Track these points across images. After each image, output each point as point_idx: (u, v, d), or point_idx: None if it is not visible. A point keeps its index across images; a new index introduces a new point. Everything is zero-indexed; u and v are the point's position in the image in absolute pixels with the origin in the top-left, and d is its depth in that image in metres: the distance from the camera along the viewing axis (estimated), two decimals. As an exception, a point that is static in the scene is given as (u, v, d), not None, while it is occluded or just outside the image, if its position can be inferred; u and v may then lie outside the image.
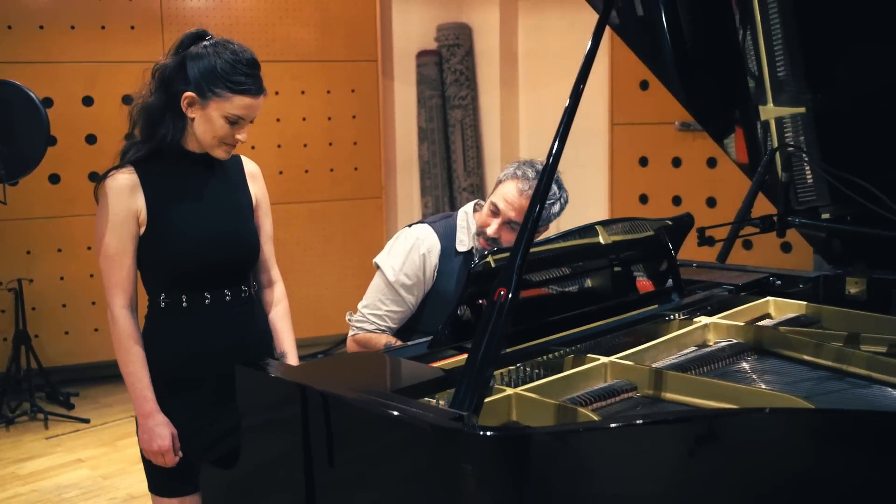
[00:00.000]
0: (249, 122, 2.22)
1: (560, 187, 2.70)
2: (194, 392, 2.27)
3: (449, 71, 6.35)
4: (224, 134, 2.19)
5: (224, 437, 2.20)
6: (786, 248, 4.97)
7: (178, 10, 5.63)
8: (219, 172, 2.33)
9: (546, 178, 1.80)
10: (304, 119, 6.01)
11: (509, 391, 1.83)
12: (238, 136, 2.21)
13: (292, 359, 2.41)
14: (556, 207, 2.70)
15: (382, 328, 2.72)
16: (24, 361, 5.17)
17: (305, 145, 6.04)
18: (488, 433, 1.50)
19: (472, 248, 2.73)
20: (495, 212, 2.65)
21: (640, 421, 1.54)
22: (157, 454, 2.19)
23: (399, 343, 2.54)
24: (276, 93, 5.87)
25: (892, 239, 2.26)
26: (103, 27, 5.47)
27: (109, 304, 2.20)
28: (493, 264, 2.06)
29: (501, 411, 1.81)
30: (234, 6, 5.77)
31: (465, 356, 2.04)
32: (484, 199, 2.77)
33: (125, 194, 2.18)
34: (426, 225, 2.77)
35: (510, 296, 1.65)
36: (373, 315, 2.72)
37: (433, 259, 2.69)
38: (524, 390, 1.84)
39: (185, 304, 2.25)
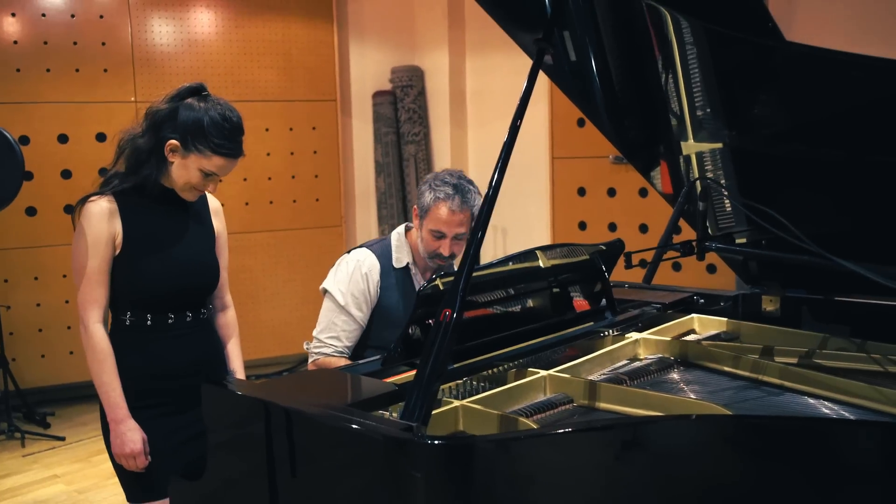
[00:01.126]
0: (221, 177, 2.26)
1: (473, 185, 2.74)
2: (157, 404, 2.29)
3: (403, 109, 6.39)
4: (196, 183, 2.24)
5: (187, 444, 2.28)
6: (711, 269, 5.06)
7: (148, 53, 5.61)
8: (188, 207, 2.36)
9: (487, 207, 1.83)
10: (268, 154, 6.00)
11: (456, 403, 1.85)
12: (208, 187, 2.26)
13: (240, 376, 2.48)
14: (478, 201, 2.72)
15: (339, 349, 2.72)
16: (2, 383, 5.10)
17: (270, 178, 6.03)
18: (435, 442, 1.52)
19: (408, 263, 2.78)
20: (440, 236, 2.68)
21: (571, 429, 1.56)
22: (128, 457, 2.21)
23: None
24: (242, 130, 5.87)
25: (800, 262, 2.32)
26: (77, 70, 5.43)
27: (84, 319, 2.21)
28: (441, 287, 2.09)
29: (449, 422, 1.82)
30: (203, 50, 5.76)
31: (415, 372, 2.07)
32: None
33: (105, 219, 2.20)
34: (364, 248, 2.81)
35: (454, 316, 1.67)
36: (328, 338, 2.73)
37: (375, 276, 2.73)
38: (470, 402, 1.86)
39: (149, 323, 2.28)
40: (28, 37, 5.33)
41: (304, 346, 2.81)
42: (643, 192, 5.44)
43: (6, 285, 5.33)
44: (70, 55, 5.42)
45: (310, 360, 2.79)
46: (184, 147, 2.17)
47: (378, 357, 2.21)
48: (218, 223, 2.48)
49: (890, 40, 4.20)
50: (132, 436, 2.21)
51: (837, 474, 1.59)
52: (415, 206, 2.78)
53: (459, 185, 2.69)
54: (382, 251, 2.80)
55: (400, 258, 2.78)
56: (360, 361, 2.38)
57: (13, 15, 5.29)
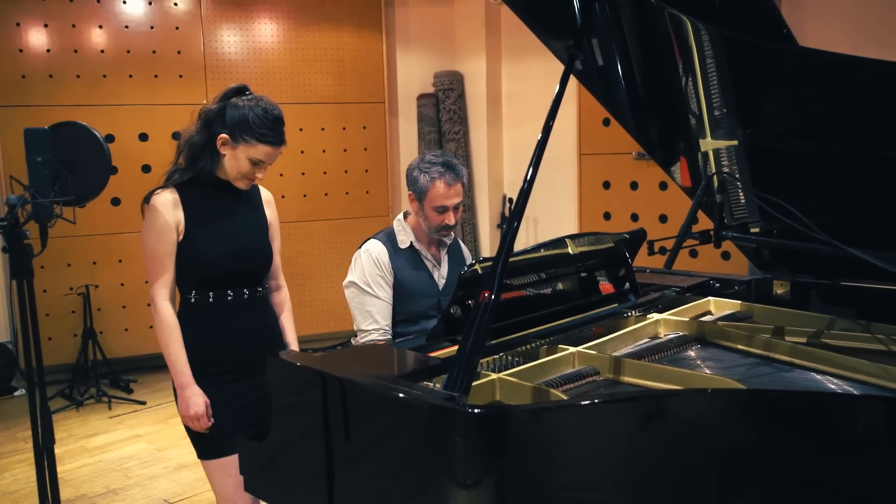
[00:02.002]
0: (268, 164, 2.30)
1: (455, 158, 2.78)
2: (220, 371, 2.33)
3: (444, 110, 6.38)
4: (247, 171, 2.28)
5: (249, 407, 2.33)
6: (725, 256, 4.99)
7: (218, 61, 5.66)
8: (242, 197, 2.40)
9: (522, 199, 1.82)
10: (323, 151, 6.03)
11: (493, 376, 1.85)
12: (258, 175, 2.30)
13: (294, 347, 2.50)
14: (464, 171, 2.78)
15: (381, 330, 2.73)
16: (91, 354, 5.20)
17: (325, 173, 6.06)
18: (475, 410, 1.52)
19: (411, 242, 2.80)
20: (443, 210, 2.69)
21: (598, 400, 1.55)
22: (192, 419, 2.26)
23: None
24: (301, 129, 5.91)
25: (809, 250, 2.28)
26: (156, 76, 5.50)
27: (153, 298, 2.27)
28: (479, 271, 2.09)
29: (487, 392, 1.82)
30: (266, 58, 5.80)
31: (457, 347, 2.07)
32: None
33: (169, 209, 2.25)
34: (371, 239, 2.84)
35: (493, 298, 1.67)
36: (368, 324, 2.75)
37: (385, 259, 2.75)
38: (506, 375, 1.86)
39: (211, 300, 2.32)
40: (113, 46, 5.40)
41: (353, 343, 2.82)
42: (663, 186, 5.38)
43: (94, 267, 5.43)
44: (149, 62, 5.49)
45: None
46: (233, 139, 2.22)
47: (422, 335, 2.22)
48: (270, 213, 2.50)
49: (888, 46, 4.10)
50: (196, 399, 2.25)
51: (842, 443, 1.56)
52: (410, 192, 2.76)
53: (447, 162, 2.70)
54: (388, 237, 2.82)
55: (403, 240, 2.80)
56: (407, 338, 2.38)
57: (100, 27, 5.36)
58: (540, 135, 1.88)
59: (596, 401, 1.57)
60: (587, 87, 2.53)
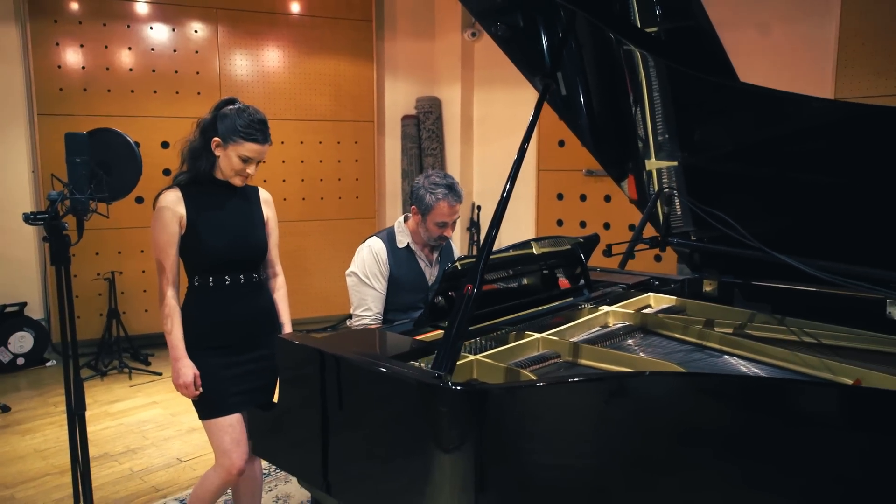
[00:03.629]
0: (257, 161, 2.27)
1: (455, 179, 2.71)
2: (219, 345, 2.30)
3: (424, 130, 6.34)
4: (238, 168, 2.25)
5: (245, 376, 2.31)
6: (657, 259, 5.03)
7: (232, 82, 5.57)
8: (240, 195, 2.37)
9: (501, 208, 1.80)
10: (320, 161, 5.96)
11: (471, 357, 1.83)
12: (248, 171, 2.27)
13: (288, 328, 2.46)
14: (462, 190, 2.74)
15: (373, 315, 2.69)
16: (115, 331, 5.09)
17: (321, 180, 5.99)
18: (458, 387, 1.50)
19: (408, 243, 2.75)
20: (443, 225, 2.66)
21: (562, 380, 1.53)
22: (182, 387, 2.24)
23: None
24: (301, 142, 5.84)
25: (733, 254, 2.29)
26: (177, 92, 5.39)
27: (160, 283, 2.25)
28: (459, 267, 2.06)
29: (466, 372, 1.80)
30: (272, 80, 5.72)
31: (439, 332, 2.04)
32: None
33: (172, 205, 2.24)
34: (374, 237, 2.78)
35: (475, 290, 1.65)
36: (363, 310, 2.70)
37: (383, 256, 2.70)
38: (482, 356, 1.84)
39: (211, 284, 2.29)
40: (140, 66, 5.29)
41: (348, 323, 2.78)
42: (607, 199, 5.40)
43: (120, 256, 5.31)
44: (172, 81, 5.38)
45: None
46: (224, 141, 2.22)
47: (409, 320, 2.19)
48: (268, 210, 2.45)
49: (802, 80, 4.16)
50: (185, 371, 2.23)
51: (773, 420, 1.56)
52: (413, 206, 2.71)
53: (451, 184, 2.65)
54: (388, 236, 2.77)
55: (402, 240, 2.75)
56: (396, 323, 2.35)
57: (130, 48, 5.24)
58: (517, 155, 1.85)
59: (567, 380, 1.54)
60: (557, 113, 2.51)
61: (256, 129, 2.22)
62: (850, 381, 1.77)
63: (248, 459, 2.32)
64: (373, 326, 2.66)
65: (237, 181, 2.29)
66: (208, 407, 2.30)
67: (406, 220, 2.81)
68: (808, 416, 1.45)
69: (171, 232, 2.23)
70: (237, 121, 2.20)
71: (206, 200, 2.28)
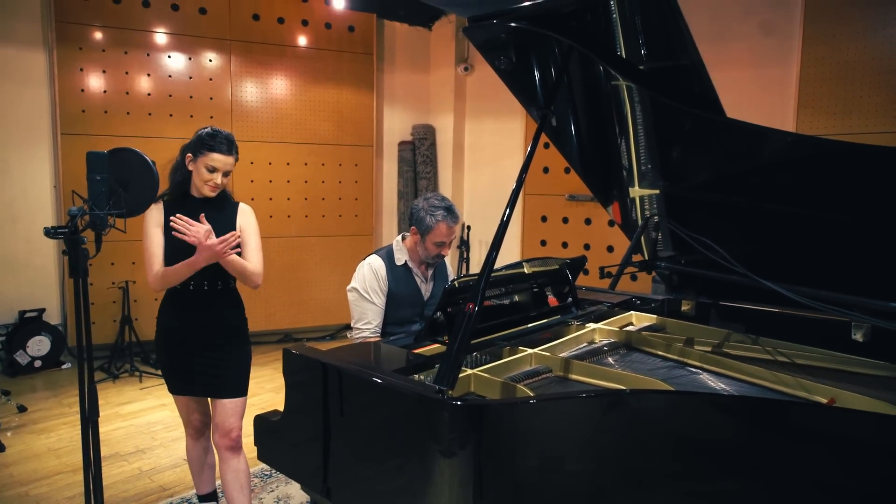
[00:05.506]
0: (223, 172, 2.34)
1: (452, 202, 2.67)
2: (182, 340, 2.39)
3: (419, 155, 6.30)
4: (206, 178, 2.33)
5: (205, 366, 2.40)
6: (633, 278, 4.98)
7: (242, 107, 5.51)
8: (216, 210, 2.41)
9: (501, 231, 1.75)
10: (322, 182, 5.89)
11: (469, 371, 1.77)
12: (216, 180, 2.33)
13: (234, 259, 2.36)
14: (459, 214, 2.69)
15: (372, 329, 2.62)
16: (127, 336, 4.98)
17: (323, 199, 5.92)
18: (459, 402, 1.43)
19: (405, 261, 2.69)
20: (440, 245, 2.60)
21: (583, 394, 1.46)
22: (203, 238, 2.26)
23: None
24: (306, 164, 5.77)
25: (709, 277, 2.25)
26: (191, 116, 5.31)
27: (148, 275, 2.34)
28: (457, 286, 2.00)
29: (464, 385, 1.74)
30: (279, 106, 5.66)
31: (437, 346, 1.98)
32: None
33: (155, 216, 2.37)
34: (374, 255, 2.72)
35: (476, 309, 1.59)
36: (363, 324, 2.62)
37: (382, 272, 2.65)
38: (479, 371, 1.78)
39: (178, 288, 2.38)
40: (158, 91, 5.21)
41: (348, 335, 2.71)
42: (588, 221, 5.37)
43: (133, 266, 5.20)
44: (187, 105, 5.31)
45: None
46: (194, 154, 2.33)
47: (408, 334, 2.12)
48: (242, 219, 2.46)
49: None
50: (200, 235, 2.25)
51: (759, 435, 1.50)
52: (412, 227, 2.65)
53: (449, 207, 2.61)
54: (387, 254, 2.71)
55: (399, 258, 2.69)
56: (394, 337, 2.28)
57: (148, 75, 5.17)
58: (515, 184, 1.81)
59: (561, 398, 1.48)
60: (551, 141, 2.46)
61: (221, 142, 2.31)
62: (824, 401, 1.72)
63: (229, 448, 2.44)
64: (372, 339, 2.59)
65: (207, 191, 2.35)
66: (170, 384, 2.47)
67: (403, 238, 2.75)
68: (793, 433, 1.39)
69: (157, 238, 2.34)
70: (205, 136, 2.32)
71: (181, 213, 2.33)
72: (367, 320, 2.61)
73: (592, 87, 2.24)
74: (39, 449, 3.60)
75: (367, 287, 2.62)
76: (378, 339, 2.59)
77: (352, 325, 2.66)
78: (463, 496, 1.43)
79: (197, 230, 2.24)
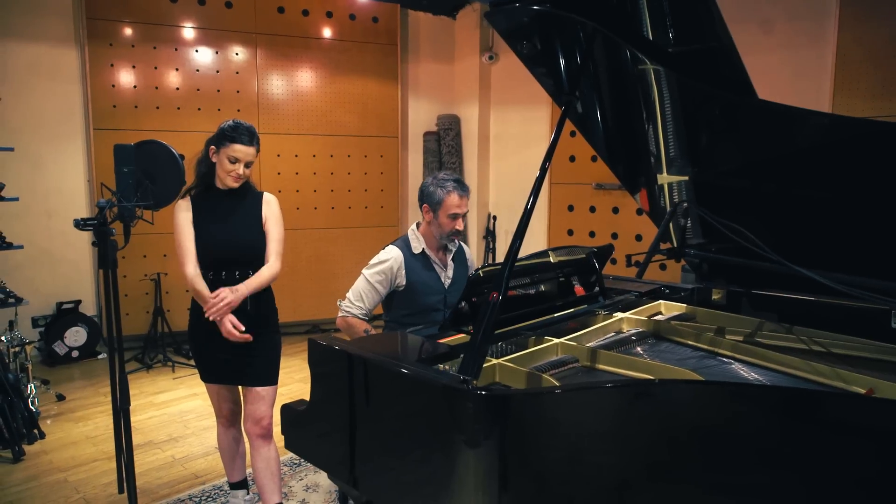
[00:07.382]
0: (245, 162, 2.38)
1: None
2: (212, 332, 2.41)
3: (444, 145, 6.27)
4: (229, 168, 2.37)
5: (235, 359, 2.44)
6: (663, 267, 4.90)
7: (269, 100, 5.54)
8: (239, 201, 2.47)
9: (525, 219, 1.72)
10: (348, 173, 5.91)
11: (494, 361, 1.74)
12: (238, 171, 2.37)
13: (242, 290, 2.39)
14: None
15: (363, 312, 2.61)
16: (160, 327, 5.06)
17: (349, 190, 5.94)
18: (483, 392, 1.41)
19: (423, 248, 2.67)
20: (455, 216, 2.58)
21: (609, 384, 1.43)
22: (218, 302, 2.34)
23: (373, 331, 2.45)
24: (331, 155, 5.79)
25: (741, 265, 2.18)
26: (219, 109, 5.36)
27: (183, 270, 2.38)
28: (482, 275, 1.97)
29: (489, 374, 1.72)
30: (305, 98, 5.68)
31: (462, 336, 1.95)
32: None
33: (183, 211, 2.40)
34: (392, 245, 2.69)
35: (500, 298, 1.56)
36: (357, 300, 2.61)
37: (398, 261, 2.61)
38: (504, 360, 1.75)
39: (211, 277, 2.40)
40: (186, 85, 5.26)
41: (338, 303, 2.69)
42: (615, 210, 5.29)
43: (165, 259, 5.28)
44: (214, 99, 5.35)
45: (339, 314, 2.67)
46: (217, 147, 2.38)
47: (432, 324, 2.10)
48: (266, 209, 2.49)
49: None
50: (211, 300, 2.34)
51: (793, 426, 1.45)
52: (424, 205, 2.62)
53: (457, 178, 2.60)
54: (404, 244, 2.68)
55: (416, 246, 2.67)
56: (419, 327, 2.26)
57: (177, 69, 5.22)
58: (539, 172, 1.77)
59: (576, 388, 1.45)
60: (577, 128, 2.41)
61: (242, 133, 2.34)
62: (862, 391, 1.65)
63: (260, 436, 2.48)
64: (356, 323, 2.58)
65: (230, 181, 2.39)
66: (203, 373, 2.52)
67: (418, 226, 2.72)
68: (829, 424, 1.34)
69: (187, 232, 2.38)
70: (227, 129, 2.36)
71: (207, 206, 2.41)
72: (361, 303, 2.61)
73: (618, 71, 2.18)
74: (77, 437, 3.68)
75: (375, 275, 2.62)
76: (363, 324, 2.57)
77: (347, 296, 2.65)
78: (488, 487, 1.41)
79: (217, 301, 2.32)
